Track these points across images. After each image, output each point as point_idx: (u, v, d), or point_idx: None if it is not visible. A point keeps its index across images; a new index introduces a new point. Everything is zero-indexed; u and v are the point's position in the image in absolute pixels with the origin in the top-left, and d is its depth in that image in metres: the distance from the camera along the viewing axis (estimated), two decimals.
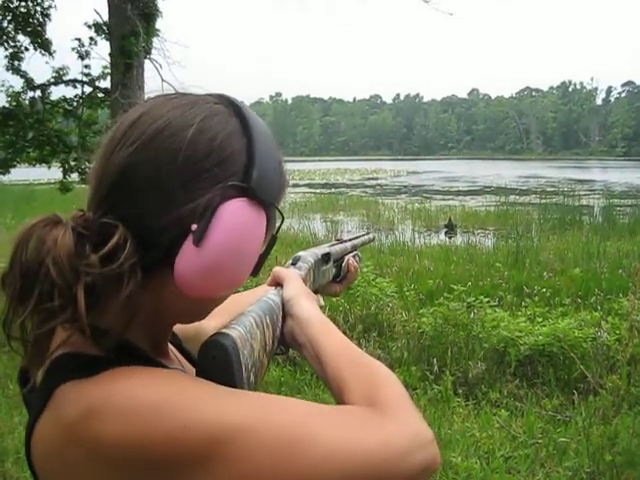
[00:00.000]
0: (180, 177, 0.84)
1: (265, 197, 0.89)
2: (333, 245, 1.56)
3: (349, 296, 8.01)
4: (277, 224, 0.98)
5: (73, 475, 0.79)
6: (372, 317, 7.57)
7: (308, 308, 1.11)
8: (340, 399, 0.93)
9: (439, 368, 6.22)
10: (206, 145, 0.86)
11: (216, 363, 0.89)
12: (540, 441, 4.71)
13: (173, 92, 0.95)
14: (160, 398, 0.77)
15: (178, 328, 1.12)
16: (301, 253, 1.39)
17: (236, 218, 0.85)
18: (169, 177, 0.84)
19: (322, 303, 1.41)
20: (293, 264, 1.34)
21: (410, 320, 7.33)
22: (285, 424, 0.80)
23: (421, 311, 7.47)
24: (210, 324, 1.26)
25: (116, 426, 0.74)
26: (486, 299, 7.34)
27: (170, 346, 1.08)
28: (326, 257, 1.46)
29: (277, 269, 1.25)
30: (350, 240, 1.68)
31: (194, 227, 0.83)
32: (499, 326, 6.58)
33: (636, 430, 4.57)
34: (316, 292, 1.42)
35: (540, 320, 6.82)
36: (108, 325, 0.82)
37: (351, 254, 1.64)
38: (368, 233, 1.87)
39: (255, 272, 0.94)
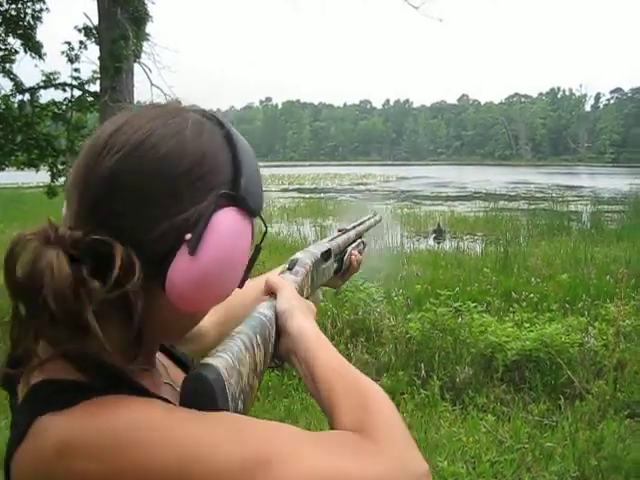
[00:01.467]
0: (170, 186, 0.82)
1: (253, 206, 0.89)
2: (334, 238, 1.52)
3: (337, 301, 8.02)
4: (260, 234, 0.99)
5: None
6: (360, 322, 7.57)
7: (302, 323, 1.06)
8: (332, 422, 0.90)
9: (426, 373, 6.23)
10: (195, 154, 0.85)
11: (199, 397, 0.84)
12: (526, 446, 4.73)
13: (150, 104, 0.94)
14: (136, 433, 0.75)
15: None
16: (298, 255, 1.34)
17: (228, 226, 0.85)
18: (158, 187, 0.82)
19: (321, 298, 1.45)
20: (289, 268, 1.29)
21: (398, 325, 7.34)
22: (276, 446, 0.77)
23: (409, 316, 7.47)
24: (207, 319, 1.22)
25: (92, 464, 0.73)
26: (474, 304, 7.35)
27: (163, 356, 1.07)
28: (326, 254, 1.42)
29: (270, 277, 1.21)
30: (354, 227, 1.64)
31: (188, 236, 0.82)
32: (486, 331, 6.60)
33: (622, 435, 4.59)
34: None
35: (527, 325, 6.84)
36: (109, 350, 0.78)
37: (355, 243, 1.60)
38: (374, 215, 1.83)
39: (242, 283, 0.93)
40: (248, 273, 0.94)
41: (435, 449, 4.65)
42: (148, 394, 0.86)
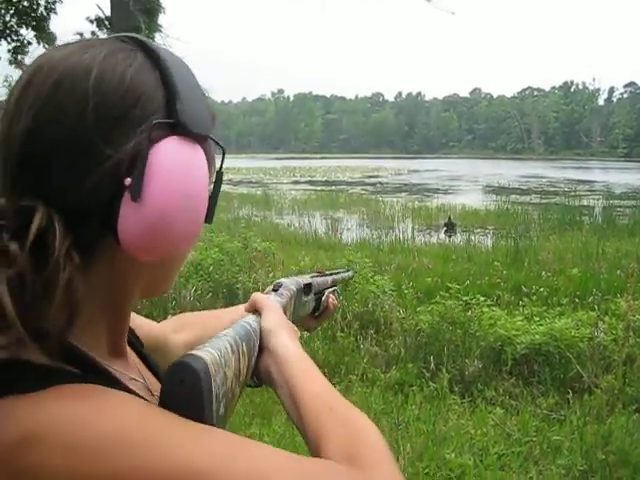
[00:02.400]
0: (94, 130, 0.72)
1: (198, 130, 0.79)
2: (314, 277, 1.48)
3: (347, 293, 8.03)
4: (217, 158, 0.88)
5: None
6: (370, 314, 7.59)
7: (287, 344, 0.98)
8: (316, 452, 0.80)
9: (436, 366, 6.24)
10: (115, 86, 0.74)
11: (185, 389, 0.77)
12: (534, 439, 4.74)
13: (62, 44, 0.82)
14: (110, 431, 0.66)
15: (144, 336, 1.07)
16: (283, 280, 1.29)
17: (172, 159, 0.76)
18: (81, 133, 0.72)
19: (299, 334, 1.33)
20: (274, 290, 1.23)
21: (407, 318, 7.36)
22: (250, 473, 0.68)
23: (419, 309, 7.50)
24: (179, 337, 1.20)
25: (54, 459, 0.64)
26: (483, 298, 7.35)
27: (129, 351, 0.97)
28: (307, 288, 1.38)
29: (256, 295, 1.12)
30: (331, 274, 1.61)
31: (128, 181, 0.73)
32: (496, 325, 6.60)
33: (630, 429, 4.60)
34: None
35: (537, 319, 6.84)
36: (49, 324, 0.69)
37: (331, 289, 1.57)
38: (348, 270, 1.81)
39: (209, 217, 0.84)
40: (214, 204, 0.85)
41: (443, 441, 4.67)
42: (123, 387, 0.79)
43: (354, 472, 0.72)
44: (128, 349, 0.95)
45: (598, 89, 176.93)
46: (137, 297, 0.89)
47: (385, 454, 0.78)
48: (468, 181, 45.54)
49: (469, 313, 6.97)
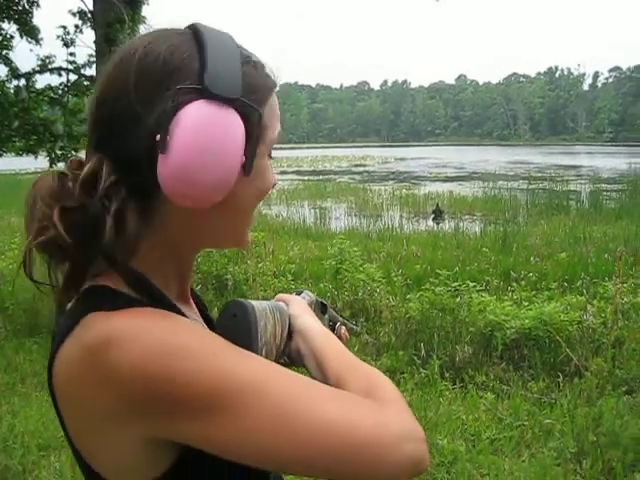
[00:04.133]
0: (134, 96, 0.87)
1: (224, 93, 0.88)
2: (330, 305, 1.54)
3: (337, 282, 8.04)
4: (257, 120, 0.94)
5: (86, 398, 0.82)
6: (360, 302, 7.61)
7: (312, 322, 1.14)
8: None
9: (426, 352, 6.25)
10: (152, 61, 0.89)
11: (237, 321, 0.94)
12: (526, 423, 4.76)
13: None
14: (179, 340, 0.81)
15: None
16: (305, 290, 1.38)
17: (194, 118, 0.85)
18: (126, 101, 0.88)
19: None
20: (297, 294, 1.34)
21: (397, 305, 7.38)
22: (291, 389, 0.82)
23: (408, 296, 7.50)
24: None
25: (133, 356, 0.78)
26: (473, 284, 7.36)
27: (194, 305, 1.12)
28: (323, 308, 1.44)
29: (281, 294, 1.27)
30: (342, 316, 1.61)
31: (157, 137, 0.85)
32: (485, 310, 6.61)
33: (620, 411, 4.61)
34: None
35: (526, 304, 6.87)
36: (115, 248, 0.86)
37: (341, 322, 1.63)
38: (356, 323, 1.84)
39: (247, 170, 0.92)
40: (252, 159, 0.93)
41: (435, 427, 4.68)
42: (189, 318, 0.94)
43: (374, 402, 0.88)
44: (193, 305, 1.12)
45: (583, 74, 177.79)
46: (201, 246, 1.05)
47: (400, 398, 0.93)
48: (455, 168, 45.57)
49: (458, 299, 6.99)
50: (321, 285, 8.34)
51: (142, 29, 10.77)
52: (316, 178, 34.77)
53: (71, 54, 11.37)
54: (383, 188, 26.21)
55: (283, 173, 41.41)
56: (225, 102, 0.88)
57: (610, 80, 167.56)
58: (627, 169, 32.73)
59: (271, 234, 11.91)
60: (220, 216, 0.96)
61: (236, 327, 0.93)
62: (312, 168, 48.33)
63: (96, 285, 0.90)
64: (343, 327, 1.57)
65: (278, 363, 1.08)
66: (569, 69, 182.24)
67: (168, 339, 0.80)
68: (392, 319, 7.05)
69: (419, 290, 7.45)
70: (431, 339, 6.46)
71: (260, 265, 8.62)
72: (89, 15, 10.66)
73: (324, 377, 1.00)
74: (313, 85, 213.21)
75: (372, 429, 0.83)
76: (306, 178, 34.77)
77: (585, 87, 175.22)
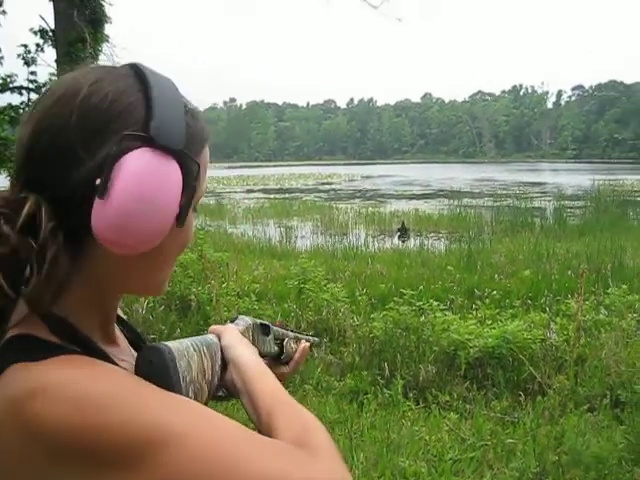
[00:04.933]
0: (77, 137, 0.86)
1: (168, 144, 0.88)
2: (273, 324, 1.51)
3: (301, 301, 8.01)
4: (195, 173, 0.95)
5: (11, 452, 0.79)
6: (324, 322, 7.59)
7: (244, 353, 1.12)
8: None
9: (390, 372, 6.23)
10: (97, 103, 0.88)
11: (154, 367, 0.91)
12: (488, 443, 4.75)
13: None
14: (105, 390, 0.79)
15: None
16: (240, 315, 1.38)
17: (137, 166, 0.85)
18: (66, 140, 0.86)
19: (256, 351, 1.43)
20: (231, 321, 1.32)
21: (362, 325, 7.36)
22: (220, 441, 0.80)
23: (372, 315, 7.47)
24: None
25: (57, 409, 0.76)
26: (436, 303, 7.36)
27: (122, 337, 1.10)
28: (265, 329, 1.43)
29: (213, 326, 1.24)
30: (292, 331, 1.62)
31: (98, 181, 0.84)
32: (449, 329, 6.61)
33: (581, 429, 4.63)
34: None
35: (490, 322, 6.87)
36: (41, 295, 0.84)
37: (293, 337, 1.59)
38: (315, 336, 1.79)
39: (179, 221, 0.92)
40: (186, 210, 0.93)
41: (397, 449, 4.65)
42: (114, 364, 0.91)
43: (305, 453, 0.85)
44: (120, 336, 1.10)
45: (547, 92, 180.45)
46: (126, 291, 1.03)
47: (331, 445, 0.90)
48: (421, 186, 45.84)
49: (422, 318, 6.98)
50: (285, 305, 8.31)
51: (105, 48, 10.72)
52: (282, 196, 34.78)
53: (32, 73, 11.29)
54: (349, 206, 26.30)
55: (249, 192, 41.42)
56: (169, 153, 0.88)
57: (573, 98, 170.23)
58: (590, 186, 33.09)
59: (236, 253, 11.84)
60: (146, 263, 0.96)
61: (154, 373, 0.90)
62: (278, 186, 48.36)
63: (20, 334, 0.86)
64: (294, 342, 1.56)
65: (215, 397, 1.14)
66: (533, 87, 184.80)
67: (93, 390, 0.79)
68: (356, 339, 7.03)
69: (383, 309, 7.43)
70: (395, 359, 6.45)
71: (224, 285, 8.55)
72: (50, 34, 10.58)
73: (256, 415, 1.00)
74: (280, 103, 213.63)
75: None
76: (272, 196, 34.79)
77: (549, 105, 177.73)
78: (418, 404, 5.68)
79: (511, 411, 5.45)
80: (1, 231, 0.82)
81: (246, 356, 1.12)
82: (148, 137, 0.87)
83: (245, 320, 1.34)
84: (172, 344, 0.96)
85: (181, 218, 0.92)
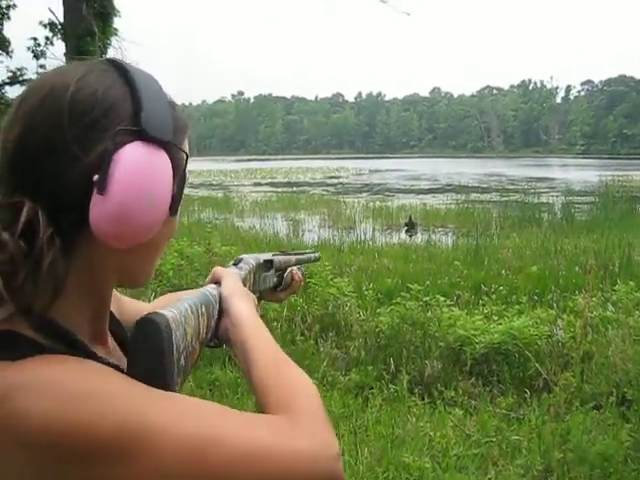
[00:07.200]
0: (70, 134, 0.86)
1: (160, 136, 0.91)
2: (277, 255, 1.58)
3: (307, 296, 8.00)
4: (183, 162, 1.00)
5: None
6: (330, 317, 7.56)
7: (242, 307, 1.14)
8: (260, 403, 0.98)
9: (395, 367, 6.22)
10: (88, 99, 0.88)
11: (148, 340, 0.92)
12: (493, 439, 4.74)
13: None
14: (83, 386, 0.79)
15: (134, 316, 1.11)
16: (244, 255, 1.42)
17: (133, 160, 0.87)
18: (59, 138, 0.86)
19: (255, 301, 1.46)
20: (235, 264, 1.36)
21: (368, 319, 7.34)
22: (201, 428, 0.83)
23: (379, 310, 7.47)
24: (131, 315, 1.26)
25: (34, 406, 0.76)
26: (443, 298, 7.35)
27: (111, 338, 1.10)
28: (268, 264, 1.48)
29: (217, 268, 1.28)
30: (295, 254, 1.70)
31: (95, 177, 0.85)
32: (455, 325, 6.59)
33: (587, 427, 4.62)
34: (259, 298, 1.46)
35: (496, 318, 6.85)
36: (35, 300, 0.83)
37: (295, 267, 1.66)
38: (315, 252, 1.88)
39: (173, 210, 0.96)
40: (178, 199, 0.97)
41: (402, 444, 4.64)
42: (102, 361, 0.90)
43: (289, 422, 0.90)
44: (110, 343, 1.08)
45: (556, 87, 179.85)
46: (114, 284, 1.02)
47: (318, 408, 0.96)
48: (429, 180, 45.77)
49: (429, 314, 6.97)
50: (291, 299, 8.29)
51: (113, 41, 10.74)
52: (290, 190, 34.74)
53: (41, 66, 11.34)
54: (356, 200, 26.25)
55: (257, 185, 41.43)
56: (160, 144, 0.91)
57: (582, 93, 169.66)
58: (598, 181, 33.02)
59: (243, 247, 11.83)
60: (139, 255, 0.98)
61: (148, 346, 0.91)
62: (286, 180, 48.34)
63: (3, 330, 0.85)
64: (295, 271, 1.65)
65: (208, 345, 1.16)
66: (542, 82, 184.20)
67: (73, 387, 0.78)
68: (362, 333, 7.01)
69: (390, 304, 7.43)
70: (400, 354, 6.43)
71: None
72: (59, 27, 10.61)
73: (248, 372, 1.03)
74: (288, 97, 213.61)
75: (288, 455, 0.85)
76: (280, 190, 34.75)
77: (558, 100, 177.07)
78: (423, 400, 5.67)
79: (516, 408, 5.43)
80: (0, 238, 0.81)
81: (244, 311, 1.13)
82: (141, 130, 0.89)
83: (248, 262, 1.38)
84: (171, 312, 0.97)
85: (174, 207, 0.96)
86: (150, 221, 0.91)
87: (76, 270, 0.91)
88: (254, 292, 1.35)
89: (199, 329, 1.06)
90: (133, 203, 0.87)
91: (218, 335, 1.15)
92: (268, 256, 1.51)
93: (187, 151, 1.01)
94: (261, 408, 0.97)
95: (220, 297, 1.17)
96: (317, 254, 1.88)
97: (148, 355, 0.91)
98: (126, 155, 0.86)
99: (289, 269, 1.62)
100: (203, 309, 1.09)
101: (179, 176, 0.97)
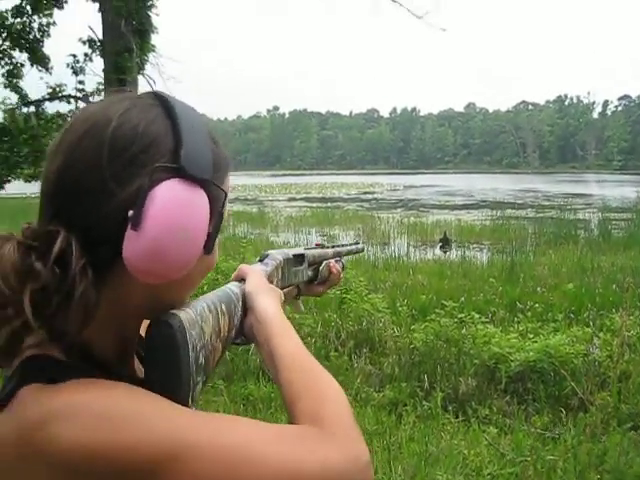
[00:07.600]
0: (108, 170, 0.86)
1: (198, 174, 0.91)
2: (310, 249, 1.57)
3: (341, 312, 8.00)
4: (221, 201, 1.00)
5: (21, 475, 0.80)
6: (364, 333, 7.56)
7: (267, 305, 1.14)
8: (289, 409, 0.97)
9: (430, 384, 6.20)
10: (128, 135, 0.89)
11: (161, 340, 0.92)
12: (528, 459, 4.68)
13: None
14: (117, 410, 0.80)
15: None
16: (270, 251, 1.41)
17: (169, 197, 0.87)
18: (96, 178, 0.87)
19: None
20: (260, 260, 1.36)
21: (402, 336, 7.34)
22: (233, 445, 0.83)
23: (413, 327, 7.45)
24: None
25: (72, 431, 0.77)
26: (478, 315, 7.32)
27: (137, 361, 1.10)
28: (299, 258, 1.47)
29: (242, 265, 1.28)
30: (333, 247, 1.69)
31: (130, 213, 0.85)
32: (490, 342, 6.56)
33: (624, 448, 4.55)
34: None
35: (532, 336, 6.79)
36: (66, 327, 0.84)
37: (332, 260, 1.64)
38: (357, 243, 1.87)
39: (207, 249, 0.95)
40: (214, 238, 0.97)
41: (436, 462, 4.62)
42: (131, 381, 0.90)
43: (319, 434, 0.89)
44: (135, 364, 1.09)
45: (593, 102, 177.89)
46: (146, 315, 1.00)
47: (347, 416, 0.95)
48: (463, 196, 45.57)
49: (463, 331, 6.94)
50: (326, 314, 8.30)
51: (151, 57, 10.88)
52: (324, 205, 34.79)
53: (80, 82, 11.50)
54: (391, 216, 26.19)
55: (291, 200, 41.53)
56: (197, 183, 0.91)
57: (620, 108, 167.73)
58: (636, 198, 32.59)
59: None
60: (171, 290, 0.98)
61: (162, 346, 0.93)
62: (321, 195, 48.43)
63: (35, 355, 0.87)
64: (333, 264, 1.62)
65: (234, 343, 1.18)
66: (578, 97, 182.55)
67: (108, 410, 0.80)
68: (396, 350, 7.01)
69: (424, 321, 7.42)
70: (434, 371, 6.42)
71: None
72: (98, 44, 10.77)
73: (275, 372, 1.04)
74: (323, 112, 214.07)
75: (320, 471, 0.85)
76: (314, 205, 34.81)
77: (595, 115, 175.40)
78: (457, 417, 5.63)
79: (552, 427, 5.38)
80: (33, 267, 0.82)
81: (270, 309, 1.14)
82: (179, 168, 0.89)
83: (275, 257, 1.37)
84: (185, 311, 0.96)
85: (209, 246, 0.95)
86: (183, 259, 0.91)
87: (107, 300, 0.91)
88: (283, 287, 1.35)
89: (219, 327, 1.06)
90: (166, 240, 0.87)
91: (244, 332, 1.16)
92: (299, 250, 1.49)
93: (227, 190, 1.02)
94: (289, 409, 0.98)
95: (244, 294, 1.17)
96: (361, 245, 1.88)
97: (163, 355, 0.92)
98: (162, 192, 0.87)
99: (324, 262, 1.60)
100: (223, 307, 1.09)
101: (216, 214, 0.97)
